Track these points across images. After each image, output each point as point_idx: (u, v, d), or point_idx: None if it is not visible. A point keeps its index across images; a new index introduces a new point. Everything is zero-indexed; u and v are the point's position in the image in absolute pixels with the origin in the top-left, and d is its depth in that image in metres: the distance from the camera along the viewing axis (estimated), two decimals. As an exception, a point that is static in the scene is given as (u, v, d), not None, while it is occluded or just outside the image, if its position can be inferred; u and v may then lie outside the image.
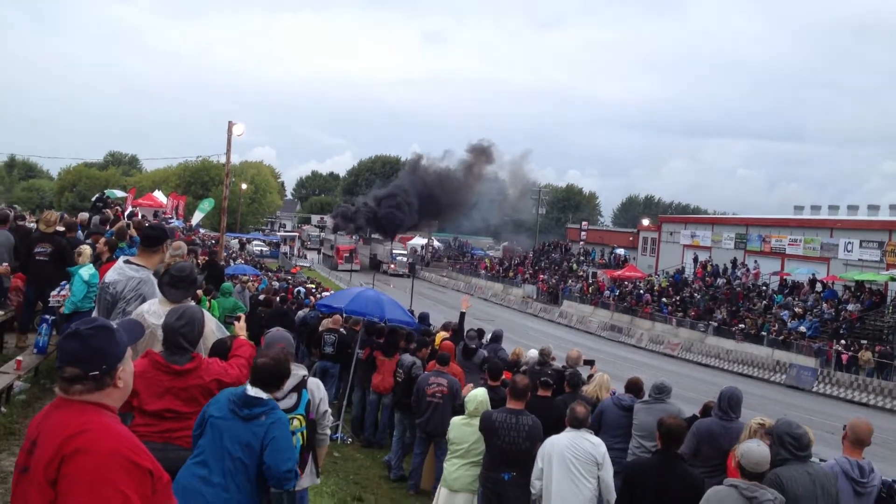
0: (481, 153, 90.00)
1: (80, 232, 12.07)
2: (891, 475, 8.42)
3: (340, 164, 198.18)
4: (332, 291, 30.59)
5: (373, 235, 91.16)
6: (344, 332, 14.37)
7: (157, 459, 4.12)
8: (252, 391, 4.67)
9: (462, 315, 15.48)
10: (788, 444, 5.71)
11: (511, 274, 68.28)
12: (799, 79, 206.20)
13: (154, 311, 5.57)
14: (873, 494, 5.93)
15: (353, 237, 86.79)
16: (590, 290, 55.30)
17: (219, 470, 4.47)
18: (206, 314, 5.85)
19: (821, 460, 6.42)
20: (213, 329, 5.82)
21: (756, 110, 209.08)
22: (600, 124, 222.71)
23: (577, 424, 7.00)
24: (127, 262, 6.31)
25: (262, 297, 18.68)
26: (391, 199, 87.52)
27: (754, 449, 5.44)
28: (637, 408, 8.96)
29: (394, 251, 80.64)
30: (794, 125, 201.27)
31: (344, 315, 14.45)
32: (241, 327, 6.13)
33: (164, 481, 2.98)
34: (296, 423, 5.54)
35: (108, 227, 12.36)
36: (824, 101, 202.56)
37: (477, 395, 8.24)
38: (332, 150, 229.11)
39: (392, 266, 76.60)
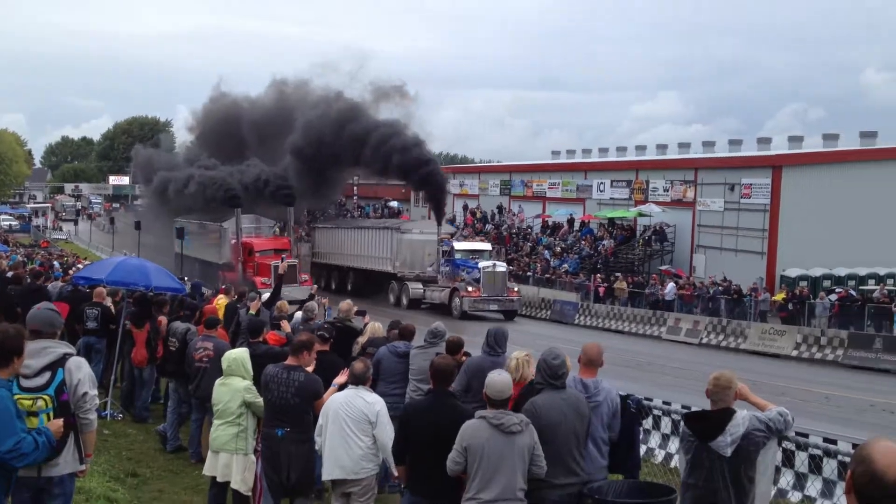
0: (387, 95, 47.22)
1: None
2: (642, 393, 9.27)
3: (98, 127, 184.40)
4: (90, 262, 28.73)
5: (311, 216, 49.40)
6: (110, 305, 13.64)
7: None
8: None
9: (280, 278, 15.19)
10: (544, 372, 6.15)
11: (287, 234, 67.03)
12: (561, 29, 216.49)
13: None
14: (601, 408, 6.43)
15: (279, 224, 42.16)
16: (365, 244, 55.68)
17: None
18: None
19: None
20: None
21: (520, 61, 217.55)
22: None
23: (354, 381, 7.03)
24: None
25: (10, 273, 17.25)
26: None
27: (496, 378, 5.86)
28: (413, 353, 9.26)
29: (451, 249, 34.94)
30: (556, 74, 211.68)
31: (106, 286, 13.67)
32: None
33: None
34: (41, 403, 5.15)
35: None
36: (583, 50, 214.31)
37: (230, 354, 8.18)
38: (89, 114, 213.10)
39: (468, 290, 31.82)
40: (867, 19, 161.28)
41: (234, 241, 37.75)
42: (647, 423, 11.00)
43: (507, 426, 5.67)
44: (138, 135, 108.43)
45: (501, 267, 33.53)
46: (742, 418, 5.20)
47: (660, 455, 11.00)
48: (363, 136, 37.70)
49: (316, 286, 32.24)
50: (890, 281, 33.28)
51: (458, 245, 35.86)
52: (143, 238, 46.24)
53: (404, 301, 34.87)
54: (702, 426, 5.36)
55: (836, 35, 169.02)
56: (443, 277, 34.23)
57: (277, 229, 41.35)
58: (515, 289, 33.80)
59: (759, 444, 5.23)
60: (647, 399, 9.56)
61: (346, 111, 40.25)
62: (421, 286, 34.72)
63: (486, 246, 37.49)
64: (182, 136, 64.59)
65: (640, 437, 9.50)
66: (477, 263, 32.86)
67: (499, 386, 5.82)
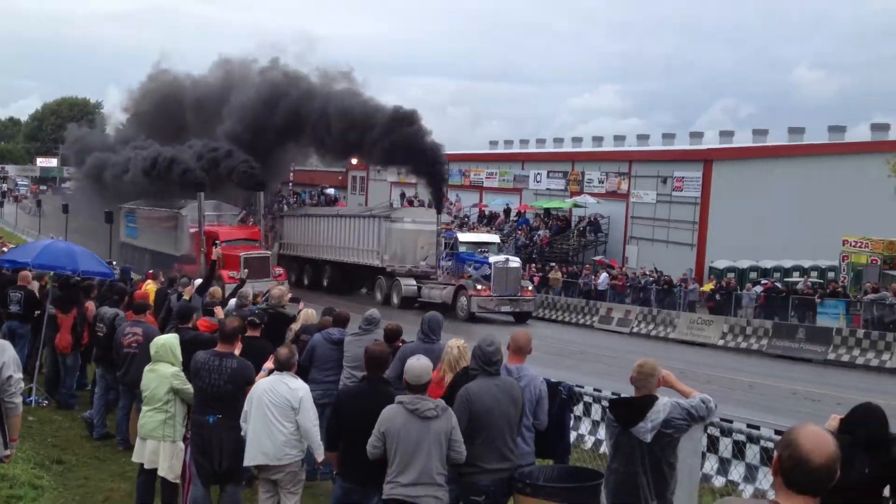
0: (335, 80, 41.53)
1: None
2: (574, 381, 9.47)
3: (26, 108, 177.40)
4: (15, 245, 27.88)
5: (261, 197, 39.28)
6: (35, 289, 13.30)
7: None
8: None
9: (213, 263, 14.96)
10: (479, 358, 6.23)
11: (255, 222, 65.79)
12: (500, 20, 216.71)
13: None
14: (524, 394, 6.46)
15: (243, 210, 39.59)
16: (301, 231, 55.20)
17: None
18: None
19: None
20: None
21: (460, 50, 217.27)
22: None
23: (279, 367, 7.01)
24: None
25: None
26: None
27: (414, 364, 5.95)
28: (347, 340, 9.26)
29: (455, 241, 31.16)
30: (495, 65, 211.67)
31: (31, 270, 13.35)
32: None
33: None
34: None
35: None
36: (523, 42, 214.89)
37: (159, 340, 8.10)
38: (17, 94, 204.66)
39: (477, 288, 28.43)
40: (800, 17, 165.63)
41: (194, 230, 33.50)
42: (579, 409, 11.18)
43: (422, 411, 5.73)
44: (68, 116, 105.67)
45: (515, 262, 29.75)
46: (663, 405, 5.33)
47: (590, 441, 11.18)
48: (332, 113, 34.05)
49: (284, 275, 31.24)
50: (814, 273, 34.31)
51: (463, 237, 31.90)
52: (74, 222, 44.37)
53: (395, 300, 30.79)
54: (624, 412, 5.48)
55: (770, 32, 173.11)
56: (444, 273, 30.54)
57: (255, 218, 37.44)
58: (529, 287, 30.20)
59: (680, 430, 5.36)
60: (578, 386, 9.74)
61: (285, 85, 37.62)
62: (414, 283, 30.89)
63: (494, 238, 33.48)
64: (114, 118, 61.61)
65: (571, 423, 9.69)
66: (487, 258, 29.24)
67: (417, 371, 5.89)
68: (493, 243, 31.97)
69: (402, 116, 32.84)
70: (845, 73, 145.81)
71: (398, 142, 32.18)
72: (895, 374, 21.77)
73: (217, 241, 28.15)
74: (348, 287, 34.31)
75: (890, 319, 24.99)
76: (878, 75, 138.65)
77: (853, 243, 31.17)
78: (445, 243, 31.23)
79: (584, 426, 11.50)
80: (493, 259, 29.04)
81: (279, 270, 31.74)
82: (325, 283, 35.19)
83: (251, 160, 34.47)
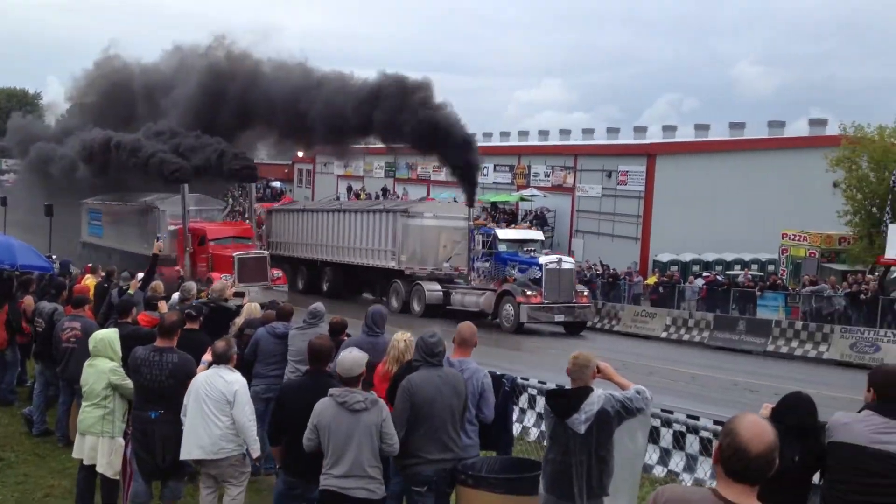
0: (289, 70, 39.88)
1: None
2: (519, 374, 9.59)
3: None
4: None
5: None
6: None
7: None
8: None
9: (155, 257, 14.63)
10: (421, 349, 6.29)
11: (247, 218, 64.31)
12: (449, 12, 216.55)
13: None
14: (466, 387, 6.51)
15: (226, 201, 37.09)
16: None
17: None
18: None
19: None
20: None
21: (409, 43, 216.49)
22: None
23: (216, 360, 6.96)
24: None
25: None
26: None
27: (346, 356, 6.00)
28: (292, 334, 9.23)
29: (493, 238, 26.60)
30: (442, 58, 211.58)
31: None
32: None
33: None
34: None
35: None
36: (471, 34, 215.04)
37: (97, 335, 7.99)
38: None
39: (526, 294, 24.39)
40: (741, 12, 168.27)
41: (174, 227, 29.27)
42: (524, 402, 11.29)
43: (350, 404, 5.76)
44: (6, 106, 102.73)
45: (568, 263, 26.05)
46: (597, 397, 5.41)
47: (534, 433, 11.29)
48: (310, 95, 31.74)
49: (284, 279, 27.79)
50: (754, 266, 35.04)
51: (504, 234, 27.58)
52: (13, 215, 42.52)
53: (416, 306, 26.85)
54: (560, 403, 5.56)
55: (711, 26, 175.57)
56: (480, 276, 26.58)
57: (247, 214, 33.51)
58: (585, 293, 26.10)
59: (613, 422, 5.44)
60: (523, 378, 9.87)
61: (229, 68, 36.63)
62: (439, 287, 27.00)
63: (538, 235, 29.53)
64: (55, 108, 59.12)
65: (516, 415, 9.80)
66: (535, 258, 25.35)
67: (347, 363, 5.92)
68: (538, 241, 28.15)
69: (467, 139, 28.60)
70: (784, 68, 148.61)
71: (418, 121, 27.98)
72: (832, 365, 22.34)
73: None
74: (350, 292, 30.78)
75: (827, 311, 25.66)
76: (815, 71, 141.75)
77: (792, 237, 31.91)
78: (483, 241, 26.86)
79: (529, 418, 11.61)
80: (543, 259, 25.22)
81: (278, 273, 27.95)
82: (324, 288, 31.19)
83: (240, 151, 31.77)
